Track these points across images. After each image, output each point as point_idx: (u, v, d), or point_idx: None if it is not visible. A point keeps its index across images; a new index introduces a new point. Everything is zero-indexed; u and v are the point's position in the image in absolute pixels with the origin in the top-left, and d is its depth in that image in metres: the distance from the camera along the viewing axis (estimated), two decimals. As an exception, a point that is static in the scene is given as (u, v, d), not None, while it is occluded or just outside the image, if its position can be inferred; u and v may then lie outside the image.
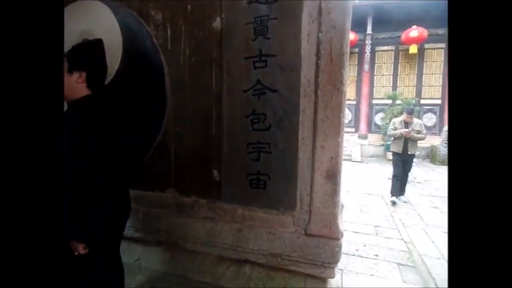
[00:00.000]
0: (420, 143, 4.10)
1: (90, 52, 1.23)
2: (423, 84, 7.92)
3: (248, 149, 1.44)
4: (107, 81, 1.60)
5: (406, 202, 3.75)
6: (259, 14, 1.34)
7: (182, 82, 1.53)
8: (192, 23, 1.47)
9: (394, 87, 8.13)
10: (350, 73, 9.22)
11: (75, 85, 1.17)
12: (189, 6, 1.46)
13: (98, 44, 1.26)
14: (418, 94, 7.92)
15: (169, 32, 1.52)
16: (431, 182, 5.01)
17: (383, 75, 8.32)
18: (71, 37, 1.66)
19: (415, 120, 3.68)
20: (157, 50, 1.54)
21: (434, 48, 7.74)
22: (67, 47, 1.67)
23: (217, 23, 1.43)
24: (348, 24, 1.26)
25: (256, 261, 1.48)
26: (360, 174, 5.66)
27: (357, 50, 8.59)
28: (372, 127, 8.44)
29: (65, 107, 1.21)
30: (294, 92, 1.34)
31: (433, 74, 7.84)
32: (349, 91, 9.00)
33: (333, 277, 1.39)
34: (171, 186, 1.63)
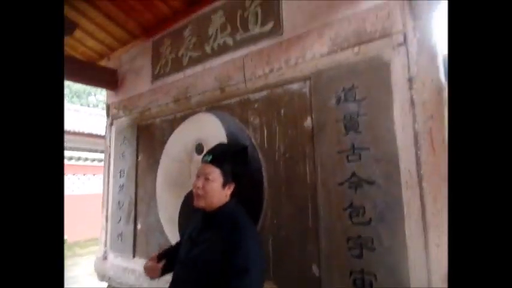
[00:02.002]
0: None
1: (243, 164, 1.32)
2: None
3: (348, 244, 1.38)
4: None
5: None
6: (348, 112, 1.43)
7: (278, 176, 1.65)
8: (285, 124, 1.65)
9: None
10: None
11: (224, 197, 1.23)
12: (282, 110, 1.67)
13: (245, 151, 1.36)
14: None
15: (265, 133, 1.73)
16: None
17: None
18: (190, 142, 2.07)
19: None
20: (256, 149, 1.75)
21: None
22: (186, 151, 2.06)
23: (308, 123, 1.57)
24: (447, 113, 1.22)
25: None
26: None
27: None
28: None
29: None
30: (394, 183, 1.29)
31: None
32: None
33: None
34: (269, 279, 1.63)
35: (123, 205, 2.54)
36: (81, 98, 15.59)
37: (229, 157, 1.26)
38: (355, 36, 1.42)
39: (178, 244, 1.48)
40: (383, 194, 1.31)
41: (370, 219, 1.33)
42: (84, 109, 12.25)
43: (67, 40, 2.70)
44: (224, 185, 1.21)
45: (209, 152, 1.29)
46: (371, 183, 1.35)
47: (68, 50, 2.96)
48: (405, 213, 1.26)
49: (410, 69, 1.28)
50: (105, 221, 2.70)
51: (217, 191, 1.20)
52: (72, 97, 15.21)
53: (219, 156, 1.24)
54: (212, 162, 1.22)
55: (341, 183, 1.43)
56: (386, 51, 1.33)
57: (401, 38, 1.29)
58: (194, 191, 1.23)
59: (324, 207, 1.47)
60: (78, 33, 2.60)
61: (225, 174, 1.20)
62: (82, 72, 2.55)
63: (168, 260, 1.37)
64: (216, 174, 1.19)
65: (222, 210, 1.22)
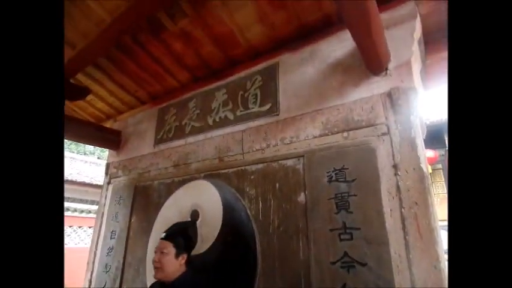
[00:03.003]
0: None
1: (191, 237, 1.56)
2: None
3: (342, 329, 1.34)
4: (208, 246, 1.87)
5: None
6: (339, 191, 1.52)
7: (271, 249, 1.66)
8: (280, 197, 1.72)
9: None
10: (438, 190, 8.49)
11: (179, 266, 1.43)
12: (277, 184, 1.76)
13: (194, 226, 1.64)
14: None
15: (260, 205, 1.79)
16: None
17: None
18: (186, 207, 2.10)
19: None
20: (250, 220, 1.79)
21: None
22: (181, 216, 2.08)
23: (301, 198, 1.64)
24: (432, 200, 1.31)
25: None
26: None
27: (440, 166, 8.07)
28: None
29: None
30: (385, 267, 1.31)
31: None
32: (441, 209, 7.97)
33: None
34: None
35: (109, 269, 2.43)
36: (79, 145, 15.76)
37: (180, 232, 1.52)
38: (343, 123, 1.58)
39: None
40: (375, 277, 1.32)
41: (364, 304, 1.32)
42: (80, 157, 12.28)
43: (78, 102, 2.89)
44: (177, 255, 1.42)
45: (165, 231, 1.54)
46: (363, 264, 1.37)
47: (77, 110, 3.15)
48: (397, 299, 1.26)
49: (394, 157, 1.41)
50: (89, 285, 2.55)
51: (171, 262, 1.41)
52: (70, 144, 15.38)
53: (172, 233, 1.51)
54: (166, 238, 1.46)
55: (334, 262, 1.44)
56: (372, 138, 1.48)
57: (384, 129, 1.45)
58: (153, 265, 1.43)
59: (317, 286, 1.46)
60: (89, 96, 2.81)
61: (177, 246, 1.43)
62: (87, 133, 2.68)
63: None
64: (170, 248, 1.43)
65: (178, 279, 1.39)
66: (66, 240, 7.63)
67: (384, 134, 1.45)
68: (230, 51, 2.10)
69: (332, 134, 1.61)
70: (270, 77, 1.96)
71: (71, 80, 2.51)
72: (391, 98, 1.46)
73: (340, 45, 1.71)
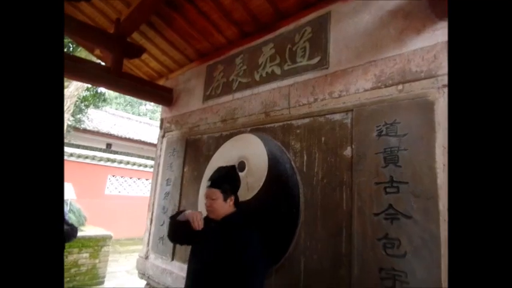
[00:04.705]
0: None
1: (235, 180, 1.69)
2: None
3: (381, 274, 1.40)
4: (253, 194, 2.00)
5: None
6: (389, 146, 1.48)
7: (314, 200, 1.73)
8: (325, 151, 1.74)
9: None
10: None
11: (228, 207, 1.61)
12: (323, 138, 1.77)
13: (234, 169, 1.74)
14: None
15: (305, 157, 1.83)
16: None
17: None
18: (233, 159, 2.23)
19: None
20: (295, 172, 1.85)
21: None
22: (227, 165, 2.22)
23: (347, 152, 1.64)
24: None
25: None
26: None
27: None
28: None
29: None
30: (432, 220, 1.30)
31: None
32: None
33: None
34: (299, 300, 1.68)
35: (167, 211, 2.77)
36: (134, 107, 17.05)
37: (224, 178, 1.62)
38: (399, 74, 1.49)
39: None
40: (420, 229, 1.33)
41: (405, 253, 1.35)
42: (135, 117, 13.35)
43: (134, 60, 3.10)
44: (225, 199, 1.58)
45: (209, 179, 1.65)
46: (408, 217, 1.37)
47: (133, 69, 3.39)
48: (442, 252, 1.26)
49: (454, 110, 1.31)
50: (150, 223, 2.95)
51: (221, 205, 1.58)
52: (126, 106, 16.70)
53: (216, 180, 1.61)
54: (213, 186, 1.59)
55: (377, 214, 1.47)
56: (431, 91, 1.38)
57: (447, 80, 1.34)
58: (206, 208, 1.61)
59: (358, 235, 1.51)
60: (143, 56, 2.98)
61: (224, 191, 1.57)
62: (143, 90, 2.90)
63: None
64: (217, 194, 1.57)
65: (228, 217, 1.59)
66: (128, 189, 8.68)
67: (445, 85, 1.35)
68: (280, 3, 2.02)
69: (385, 87, 1.53)
70: (321, 28, 1.88)
71: (128, 39, 2.68)
72: (458, 45, 1.32)
73: (402, -14, 1.55)
